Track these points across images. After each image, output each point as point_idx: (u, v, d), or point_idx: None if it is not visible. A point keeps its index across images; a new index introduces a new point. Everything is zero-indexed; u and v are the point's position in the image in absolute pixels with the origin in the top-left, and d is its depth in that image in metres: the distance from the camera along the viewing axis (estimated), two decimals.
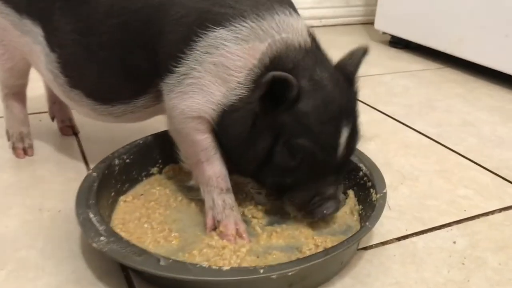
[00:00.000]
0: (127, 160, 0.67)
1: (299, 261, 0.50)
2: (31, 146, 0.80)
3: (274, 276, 0.48)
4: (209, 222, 0.60)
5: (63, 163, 0.77)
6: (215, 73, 0.56)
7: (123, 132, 0.88)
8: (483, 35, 1.26)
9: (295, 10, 0.60)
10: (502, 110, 1.09)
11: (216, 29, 0.54)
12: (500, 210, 0.70)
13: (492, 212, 0.70)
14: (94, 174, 0.62)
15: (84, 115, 0.72)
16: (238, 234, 0.59)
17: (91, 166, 0.76)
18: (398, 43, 1.59)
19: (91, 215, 0.55)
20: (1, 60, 0.74)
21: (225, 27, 0.54)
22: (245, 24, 0.54)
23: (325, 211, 0.58)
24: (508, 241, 0.63)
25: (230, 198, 0.61)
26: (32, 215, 0.64)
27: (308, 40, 0.58)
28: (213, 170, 0.60)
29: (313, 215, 0.58)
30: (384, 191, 0.61)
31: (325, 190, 0.57)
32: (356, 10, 1.93)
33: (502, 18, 1.21)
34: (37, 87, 0.94)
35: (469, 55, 1.31)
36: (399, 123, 1.00)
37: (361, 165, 0.67)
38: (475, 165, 0.84)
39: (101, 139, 0.85)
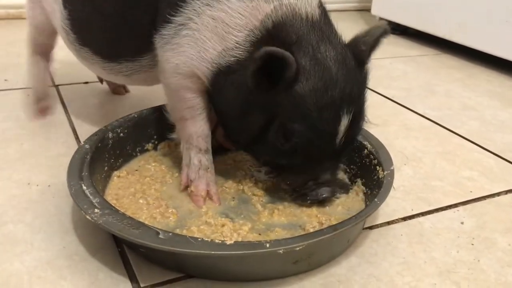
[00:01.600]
0: (121, 134, 0.64)
1: (306, 236, 0.48)
2: (49, 107, 0.81)
3: (281, 251, 0.45)
4: (184, 179, 0.60)
5: (53, 138, 0.74)
6: (212, 29, 0.53)
7: (115, 108, 0.85)
8: (483, 21, 1.24)
9: None
10: (502, 95, 1.07)
11: None
12: (506, 192, 0.69)
13: (498, 194, 0.68)
14: (87, 146, 0.58)
15: (98, 75, 0.76)
16: (209, 195, 0.58)
17: (82, 141, 0.73)
18: (395, 29, 1.57)
19: (84, 187, 0.51)
20: (30, 17, 0.76)
21: None
22: None
23: (319, 195, 0.55)
24: None
25: (207, 160, 0.60)
26: (19, 190, 0.60)
27: (317, 11, 0.54)
28: (195, 128, 0.59)
29: (307, 197, 0.56)
30: (392, 168, 0.59)
31: (320, 175, 0.55)
32: None
33: (502, 4, 1.19)
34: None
35: (468, 41, 1.30)
36: (400, 105, 0.98)
37: (366, 143, 0.64)
38: (478, 147, 0.82)
39: (91, 115, 0.82)
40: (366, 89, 0.57)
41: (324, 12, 0.56)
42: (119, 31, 0.62)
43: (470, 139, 0.85)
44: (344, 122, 0.52)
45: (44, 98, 0.81)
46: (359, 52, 0.55)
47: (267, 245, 0.45)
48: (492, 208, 0.64)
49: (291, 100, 0.51)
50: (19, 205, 0.57)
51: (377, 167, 0.60)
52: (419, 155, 0.78)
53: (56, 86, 0.93)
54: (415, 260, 0.53)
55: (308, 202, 0.57)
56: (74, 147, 0.71)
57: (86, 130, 0.75)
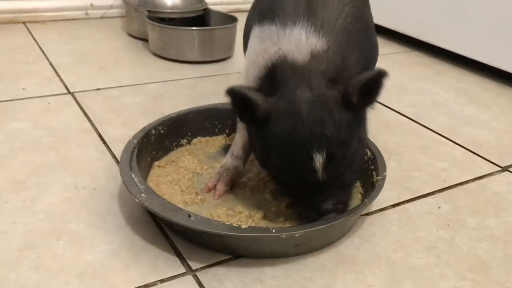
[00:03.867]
0: (162, 131, 0.77)
1: (305, 225, 0.59)
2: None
3: (283, 236, 0.57)
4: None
5: (84, 144, 0.83)
6: (247, 60, 0.66)
7: (133, 115, 0.94)
8: (448, 22, 1.38)
9: (329, 26, 0.61)
10: (467, 91, 1.22)
11: (256, 25, 0.66)
12: (474, 179, 0.83)
13: (467, 182, 0.82)
14: (134, 141, 0.71)
15: None
16: (215, 189, 0.69)
17: (110, 145, 0.83)
18: None
19: (133, 176, 0.63)
20: None
21: (260, 25, 0.64)
22: (270, 27, 0.62)
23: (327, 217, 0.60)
24: (482, 206, 0.76)
25: (231, 164, 0.71)
26: (70, 193, 0.70)
27: (307, 57, 0.59)
28: (238, 137, 0.72)
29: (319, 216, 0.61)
30: (384, 174, 0.70)
31: (322, 206, 0.59)
32: None
33: (466, 6, 1.33)
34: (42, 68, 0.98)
35: (435, 40, 1.44)
36: (379, 103, 1.11)
37: (366, 150, 0.76)
38: (448, 141, 0.96)
39: (112, 121, 0.91)
40: (355, 127, 0.59)
41: (323, 61, 0.59)
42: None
43: (441, 133, 0.99)
44: (318, 159, 0.56)
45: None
46: (346, 94, 0.57)
47: (273, 230, 0.57)
48: (463, 194, 0.78)
49: (266, 136, 0.59)
50: (74, 206, 0.67)
51: (373, 172, 0.72)
52: (400, 149, 0.91)
53: (72, 94, 1.01)
54: (404, 239, 0.67)
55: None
56: (106, 152, 0.81)
57: (112, 137, 0.85)
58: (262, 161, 0.64)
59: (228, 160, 0.72)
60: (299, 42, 0.59)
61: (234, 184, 0.72)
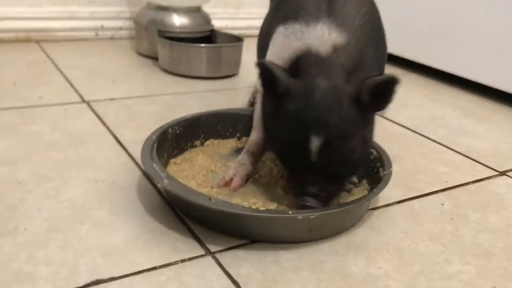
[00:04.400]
0: (177, 131, 0.81)
1: (319, 209, 0.63)
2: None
3: (299, 217, 0.60)
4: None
5: (101, 145, 0.86)
6: (273, 55, 0.71)
7: (147, 121, 0.98)
8: (443, 44, 1.45)
9: (349, 23, 0.67)
10: (464, 107, 1.28)
11: (280, 25, 0.72)
12: (474, 182, 0.87)
13: (467, 183, 0.86)
14: (153, 137, 0.75)
15: None
16: (231, 183, 0.73)
17: (126, 146, 0.86)
18: None
19: (154, 165, 0.67)
20: None
21: (284, 25, 0.71)
22: (293, 25, 0.68)
23: (304, 203, 0.64)
24: (481, 204, 0.79)
25: (247, 159, 0.75)
26: (90, 185, 0.73)
27: (330, 50, 0.64)
28: (253, 135, 0.76)
29: (297, 200, 0.66)
30: (390, 169, 0.74)
31: (306, 186, 0.64)
32: None
33: (460, 29, 1.40)
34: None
35: (431, 61, 1.51)
36: (382, 117, 1.16)
37: (372, 150, 0.80)
38: (448, 149, 1.00)
39: (127, 126, 0.95)
40: (360, 126, 0.63)
41: (343, 55, 0.64)
42: (263, 53, 0.82)
43: (441, 142, 1.03)
44: (315, 142, 0.60)
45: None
46: (359, 92, 0.61)
47: (290, 212, 0.61)
48: (464, 194, 0.82)
49: (280, 112, 0.64)
50: (95, 196, 0.70)
51: (380, 169, 0.76)
52: (403, 155, 0.95)
53: (87, 102, 1.05)
54: (411, 230, 0.70)
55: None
56: (122, 151, 0.84)
57: (127, 139, 0.89)
58: (269, 134, 0.70)
59: (244, 156, 0.75)
60: (322, 36, 0.65)
61: (248, 179, 0.75)
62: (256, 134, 0.76)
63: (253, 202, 0.70)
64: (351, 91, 0.61)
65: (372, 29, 0.71)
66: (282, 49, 0.69)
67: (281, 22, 0.72)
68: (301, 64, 0.65)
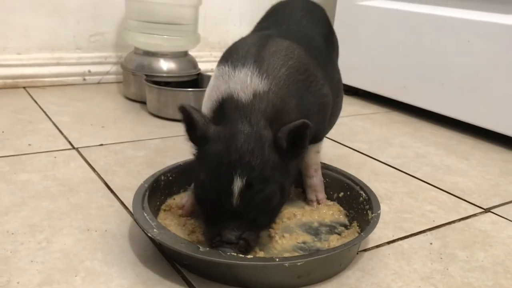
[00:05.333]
0: (170, 178, 0.82)
1: (306, 255, 0.64)
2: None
3: (286, 264, 0.61)
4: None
5: (92, 192, 0.87)
6: (208, 94, 0.75)
7: (136, 166, 0.99)
8: (423, 83, 1.51)
9: (273, 72, 0.69)
10: (445, 145, 1.31)
11: (220, 65, 0.74)
12: (460, 219, 0.89)
13: (454, 221, 0.88)
14: (146, 185, 0.76)
15: None
16: (183, 209, 0.78)
17: (118, 194, 0.87)
18: (349, 90, 1.82)
19: (145, 214, 0.68)
20: None
21: (218, 66, 0.75)
22: (224, 68, 0.72)
23: (221, 251, 0.62)
24: (469, 242, 0.81)
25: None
26: (83, 235, 0.73)
27: (250, 96, 0.66)
28: None
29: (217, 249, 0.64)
30: (379, 211, 0.76)
31: (225, 234, 0.63)
32: None
33: (438, 69, 1.46)
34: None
35: (412, 100, 1.56)
36: (366, 156, 1.19)
37: (361, 192, 0.82)
38: (433, 187, 1.03)
39: (117, 172, 0.95)
40: (280, 172, 0.64)
41: (263, 101, 0.66)
42: None
43: (426, 180, 1.06)
44: (238, 184, 0.60)
45: None
46: (277, 138, 0.63)
47: (277, 259, 0.61)
48: (451, 232, 0.84)
49: (202, 156, 0.65)
50: (88, 246, 0.70)
51: (368, 211, 0.78)
52: (390, 194, 0.97)
53: (76, 149, 1.06)
54: (402, 271, 0.71)
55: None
56: (113, 199, 0.85)
57: (118, 186, 0.90)
58: (193, 179, 0.70)
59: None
60: (244, 82, 0.68)
61: None
62: None
63: None
64: (271, 137, 0.64)
65: (297, 80, 0.72)
66: (212, 90, 0.72)
67: (219, 62, 0.75)
68: (225, 108, 0.67)
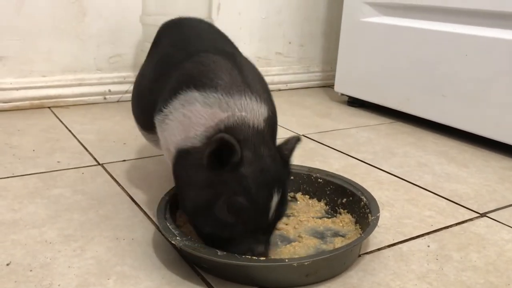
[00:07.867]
0: None
1: (312, 256, 0.72)
2: None
3: (295, 264, 0.68)
4: None
5: (118, 205, 0.95)
6: (181, 121, 0.75)
7: (157, 179, 1.08)
8: (425, 95, 1.58)
9: (264, 96, 0.76)
10: (446, 153, 1.38)
11: (193, 90, 0.74)
12: (456, 224, 0.96)
13: (451, 226, 0.95)
14: (166, 197, 0.84)
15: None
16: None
17: (141, 206, 0.95)
18: (354, 102, 1.90)
19: (168, 224, 0.76)
20: None
21: (199, 91, 0.73)
22: (214, 95, 0.72)
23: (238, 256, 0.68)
24: (464, 244, 0.88)
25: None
26: (112, 243, 0.82)
27: (262, 124, 0.72)
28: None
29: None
30: (378, 214, 0.84)
31: (256, 247, 0.69)
32: (315, 75, 2.24)
33: (440, 81, 1.53)
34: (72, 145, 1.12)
35: (415, 111, 1.63)
36: (370, 165, 1.26)
37: (362, 197, 0.90)
38: (433, 194, 1.10)
39: (140, 186, 1.04)
40: (288, 181, 0.75)
41: (269, 126, 0.74)
42: (146, 110, 0.89)
43: (427, 188, 1.13)
44: (275, 199, 0.68)
45: None
46: (283, 155, 0.74)
47: (286, 260, 0.69)
48: (448, 236, 0.91)
49: (237, 179, 0.66)
50: (117, 253, 0.79)
51: (369, 214, 0.86)
52: (392, 202, 1.04)
53: (102, 165, 1.15)
54: (400, 271, 0.78)
55: None
56: (138, 211, 0.93)
57: (142, 199, 0.98)
58: (201, 209, 0.70)
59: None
60: (252, 110, 0.72)
61: None
62: None
63: None
64: (283, 155, 0.74)
65: (269, 91, 0.82)
66: (202, 117, 0.71)
67: (192, 87, 0.74)
68: (236, 134, 0.68)
